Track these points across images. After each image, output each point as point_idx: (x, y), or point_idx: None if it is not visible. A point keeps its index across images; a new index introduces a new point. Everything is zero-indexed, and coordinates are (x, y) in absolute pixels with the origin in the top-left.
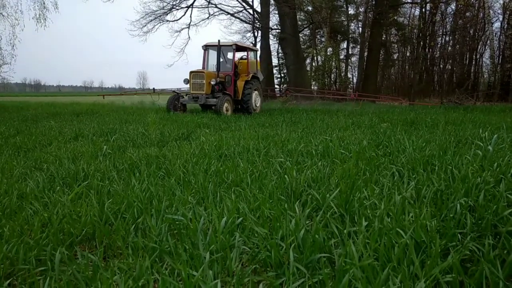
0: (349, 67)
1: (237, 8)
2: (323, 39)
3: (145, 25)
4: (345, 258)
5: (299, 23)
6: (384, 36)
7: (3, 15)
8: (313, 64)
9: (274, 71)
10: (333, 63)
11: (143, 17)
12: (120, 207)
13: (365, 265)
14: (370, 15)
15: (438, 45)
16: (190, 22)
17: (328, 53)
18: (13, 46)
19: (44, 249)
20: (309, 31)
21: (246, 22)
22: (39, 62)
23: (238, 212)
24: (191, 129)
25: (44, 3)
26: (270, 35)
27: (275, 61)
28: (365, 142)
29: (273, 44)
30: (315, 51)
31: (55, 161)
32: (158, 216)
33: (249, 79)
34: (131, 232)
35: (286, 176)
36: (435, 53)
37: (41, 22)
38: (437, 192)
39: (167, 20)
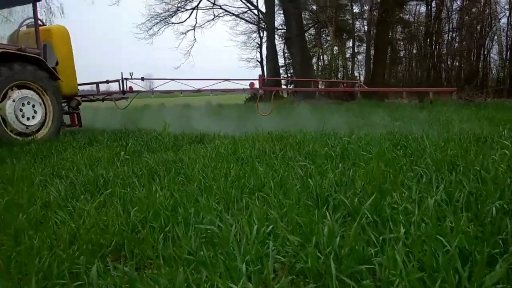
0: (356, 65)
1: (241, 9)
2: (328, 38)
3: (151, 28)
4: (387, 268)
5: (304, 22)
6: (390, 34)
7: (10, 21)
8: (319, 63)
9: (281, 71)
10: (340, 62)
11: (149, 19)
12: (146, 215)
13: (413, 278)
14: (375, 13)
15: (445, 42)
16: (195, 24)
17: (334, 52)
18: None
19: (77, 262)
20: (314, 30)
21: (251, 23)
22: None
23: (267, 219)
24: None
25: (50, 8)
26: (276, 35)
27: (281, 61)
28: (387, 143)
29: (279, 44)
30: (321, 50)
31: (73, 168)
32: (187, 225)
33: None
34: (159, 241)
35: (310, 180)
36: (442, 50)
37: None
38: (469, 195)
39: (172, 23)
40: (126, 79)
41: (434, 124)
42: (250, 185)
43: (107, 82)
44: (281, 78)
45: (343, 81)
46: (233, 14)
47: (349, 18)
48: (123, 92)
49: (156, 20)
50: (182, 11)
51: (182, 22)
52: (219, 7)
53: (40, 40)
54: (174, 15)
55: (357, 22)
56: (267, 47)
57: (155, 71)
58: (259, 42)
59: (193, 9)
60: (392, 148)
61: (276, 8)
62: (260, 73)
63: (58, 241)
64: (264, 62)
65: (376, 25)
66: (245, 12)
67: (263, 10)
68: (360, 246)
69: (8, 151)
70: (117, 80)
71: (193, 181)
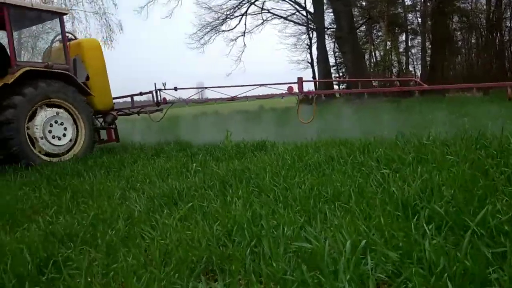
0: (410, 59)
1: (290, 11)
2: (380, 34)
3: (202, 37)
4: None
5: (354, 19)
6: (447, 25)
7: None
8: (372, 60)
9: (332, 71)
10: (393, 57)
11: (200, 29)
12: (228, 228)
13: None
14: (429, 4)
15: (507, 29)
16: (245, 30)
17: (387, 47)
18: None
19: (173, 281)
20: (365, 27)
21: (300, 24)
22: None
23: (357, 232)
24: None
25: (109, 25)
26: (326, 35)
27: (332, 60)
28: (464, 143)
29: (329, 44)
30: (372, 47)
31: (146, 180)
32: (272, 238)
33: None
34: (246, 256)
35: (392, 187)
36: (504, 37)
37: (108, 44)
38: None
39: (223, 30)
40: (160, 90)
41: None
42: (327, 195)
43: (141, 94)
44: (332, 79)
45: (397, 78)
46: (281, 17)
47: (401, 11)
48: (158, 104)
49: (206, 29)
50: (231, 18)
51: (232, 29)
52: (267, 11)
53: (69, 55)
54: (224, 23)
55: (409, 15)
56: (317, 48)
57: (207, 79)
58: (308, 43)
59: (242, 15)
60: (475, 148)
61: (325, 7)
62: (311, 75)
63: (150, 257)
64: (315, 63)
65: (431, 16)
66: (293, 14)
67: (312, 10)
68: (476, 264)
69: (83, 164)
70: (150, 92)
71: (267, 192)
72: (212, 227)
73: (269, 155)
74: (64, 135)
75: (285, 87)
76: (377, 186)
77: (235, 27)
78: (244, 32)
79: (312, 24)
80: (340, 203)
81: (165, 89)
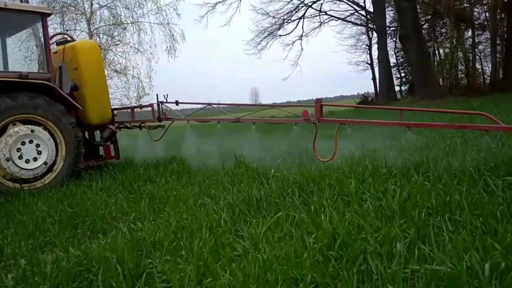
0: (477, 57)
1: (348, 11)
2: (442, 31)
3: (259, 43)
4: None
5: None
6: None
7: (140, 51)
8: (435, 58)
9: (393, 71)
10: (460, 54)
11: (257, 35)
12: (325, 243)
13: None
14: None
15: None
16: (302, 33)
17: (453, 44)
18: (149, 78)
19: None
20: (427, 24)
21: (359, 25)
22: (168, 89)
23: (488, 252)
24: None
25: (173, 36)
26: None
27: (392, 60)
28: None
29: (389, 43)
30: (436, 44)
31: (218, 186)
32: (379, 255)
33: None
34: (353, 275)
35: None
36: None
37: (171, 53)
38: None
39: (280, 35)
40: (162, 102)
41: None
42: (431, 205)
43: (140, 107)
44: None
45: (462, 111)
46: (339, 18)
47: (467, 5)
48: (159, 119)
49: (264, 35)
50: (288, 23)
51: (289, 33)
52: (324, 13)
53: (52, 63)
54: (281, 27)
55: (475, 9)
56: (378, 48)
57: (262, 83)
58: (368, 44)
59: (299, 19)
60: None
61: (386, 5)
62: (371, 76)
63: (247, 274)
64: (375, 64)
65: (503, 9)
66: (352, 14)
67: (371, 10)
68: None
69: (155, 170)
70: (150, 105)
71: (356, 200)
72: (304, 239)
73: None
74: (35, 158)
75: (301, 110)
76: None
77: (292, 31)
78: (301, 36)
79: (372, 23)
80: (449, 215)
81: (166, 102)
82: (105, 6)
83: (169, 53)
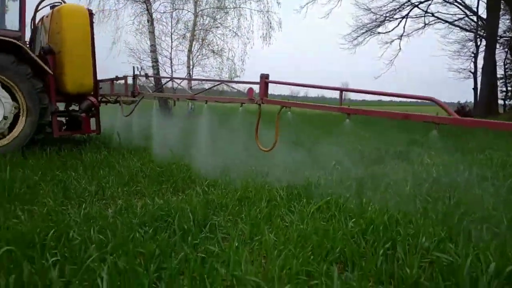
0: None
1: (457, 15)
2: None
3: (356, 38)
4: None
5: None
6: None
7: (238, 35)
8: None
9: (499, 84)
10: None
11: (355, 30)
12: (362, 228)
13: None
14: None
15: None
16: (402, 33)
17: None
18: (243, 61)
19: (309, 262)
20: None
21: (467, 30)
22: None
23: (505, 257)
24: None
25: (270, 23)
26: (497, 44)
27: (500, 72)
28: None
29: (498, 54)
30: None
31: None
32: (410, 247)
33: None
34: (379, 256)
35: None
36: None
37: (266, 40)
38: None
39: (379, 32)
40: (137, 75)
41: None
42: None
43: (116, 79)
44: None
45: None
46: (446, 22)
47: None
48: (133, 94)
49: (362, 31)
50: (390, 21)
51: (389, 31)
52: (431, 14)
53: (24, 20)
54: (381, 24)
55: None
56: (484, 57)
57: (353, 79)
58: (474, 52)
59: (402, 18)
60: None
61: (501, 13)
62: (472, 85)
63: (288, 237)
64: (479, 73)
65: None
66: (461, 19)
67: (484, 16)
68: None
69: None
70: (124, 77)
71: (408, 201)
72: (346, 223)
73: (412, 166)
74: None
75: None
76: None
77: (392, 30)
78: (401, 35)
79: (482, 30)
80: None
81: (140, 75)
82: None
83: (264, 40)
